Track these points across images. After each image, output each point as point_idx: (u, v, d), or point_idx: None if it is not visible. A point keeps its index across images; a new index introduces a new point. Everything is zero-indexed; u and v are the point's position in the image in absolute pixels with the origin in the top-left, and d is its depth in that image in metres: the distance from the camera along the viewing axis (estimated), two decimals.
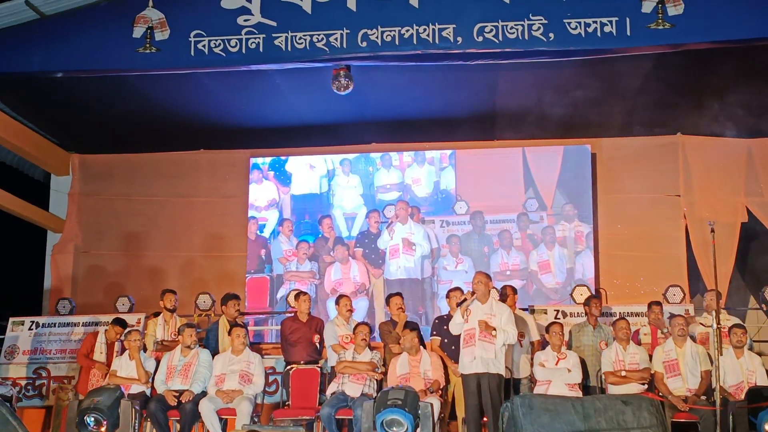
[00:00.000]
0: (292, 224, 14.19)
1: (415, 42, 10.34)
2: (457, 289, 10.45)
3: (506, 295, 10.32)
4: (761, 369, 9.67)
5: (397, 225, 13.63)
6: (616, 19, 9.98)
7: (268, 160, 14.51)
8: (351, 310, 10.79)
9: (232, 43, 10.63)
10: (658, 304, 10.84)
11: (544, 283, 13.42)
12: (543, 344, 10.30)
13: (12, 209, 13.90)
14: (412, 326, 10.17)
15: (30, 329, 12.32)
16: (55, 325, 12.42)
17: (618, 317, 10.47)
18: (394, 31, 10.38)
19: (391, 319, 10.64)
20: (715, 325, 8.33)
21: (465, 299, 9.43)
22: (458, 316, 9.34)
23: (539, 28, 10.11)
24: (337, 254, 13.81)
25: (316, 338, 10.57)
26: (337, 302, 10.85)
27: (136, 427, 9.19)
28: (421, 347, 9.93)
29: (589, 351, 10.23)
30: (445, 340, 10.09)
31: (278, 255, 14.08)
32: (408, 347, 9.77)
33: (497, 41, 10.19)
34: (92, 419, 8.67)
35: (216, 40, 10.65)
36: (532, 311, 11.82)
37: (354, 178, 14.28)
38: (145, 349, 10.65)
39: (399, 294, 10.85)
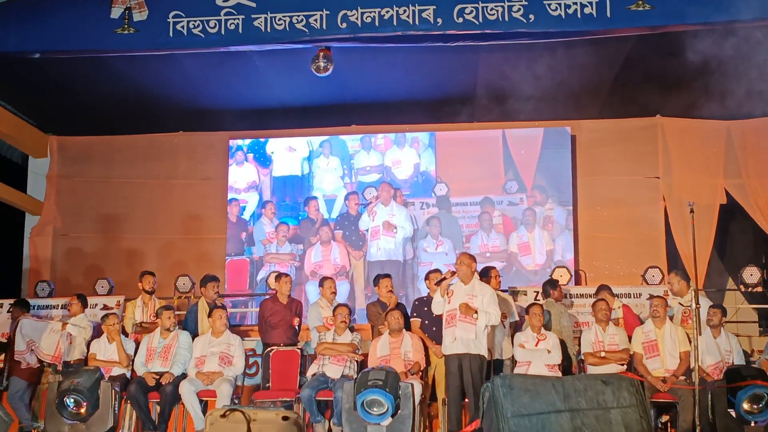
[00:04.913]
0: (274, 206, 14.16)
1: (395, 23, 10.29)
2: (437, 270, 10.46)
3: (489, 276, 10.30)
4: (738, 348, 9.78)
5: (379, 207, 13.63)
6: (596, 0, 9.98)
7: (247, 141, 14.47)
8: (335, 293, 10.79)
9: (211, 24, 10.55)
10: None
11: (524, 264, 13.46)
12: (518, 324, 10.32)
13: None
14: (398, 308, 10.20)
15: (9, 312, 12.22)
16: (34, 308, 12.34)
17: (597, 298, 10.50)
18: (374, 12, 10.33)
19: (378, 301, 10.62)
20: (694, 305, 8.36)
21: (444, 278, 9.42)
22: (437, 295, 9.36)
23: (519, 9, 10.09)
24: (322, 235, 13.80)
25: (296, 321, 10.56)
26: (321, 284, 10.84)
27: (116, 409, 9.16)
28: (404, 329, 9.92)
29: (567, 332, 10.26)
30: (426, 322, 10.09)
31: (261, 237, 14.05)
32: (395, 328, 9.76)
33: (477, 22, 10.16)
34: (72, 400, 8.63)
35: (195, 21, 10.57)
36: (513, 293, 11.84)
37: (334, 160, 14.25)
38: (125, 333, 10.63)
39: (388, 276, 10.82)
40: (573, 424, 6.44)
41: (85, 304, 11.12)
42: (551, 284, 10.91)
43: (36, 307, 12.34)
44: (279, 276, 10.94)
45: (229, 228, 14.22)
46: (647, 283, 12.18)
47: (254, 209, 14.26)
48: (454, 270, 9.45)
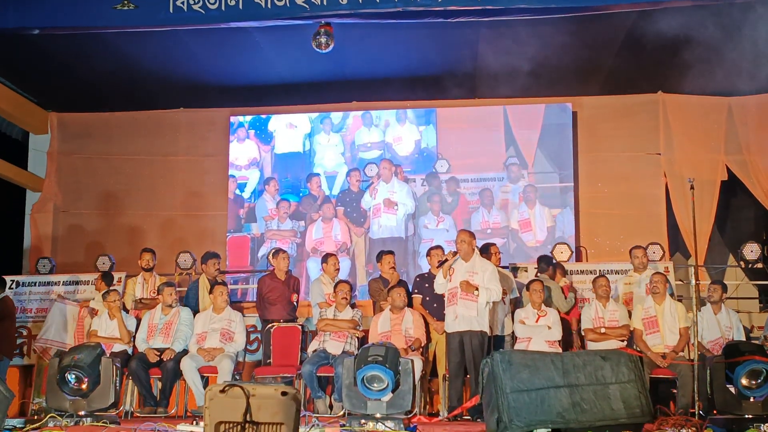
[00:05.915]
0: (277, 183, 14.15)
1: None
2: (438, 247, 10.48)
3: (490, 253, 10.29)
4: (738, 325, 9.80)
5: (380, 184, 13.61)
6: None
7: (248, 118, 14.45)
8: (338, 269, 10.79)
9: (211, 0, 10.49)
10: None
11: (524, 241, 13.46)
12: (517, 302, 10.33)
13: None
14: (401, 284, 10.21)
15: (10, 288, 12.26)
16: (35, 284, 12.40)
17: (598, 275, 10.50)
18: None
19: (381, 277, 10.64)
20: (693, 281, 8.37)
21: (446, 259, 9.45)
22: (440, 276, 9.40)
23: None
24: (324, 212, 13.80)
25: (295, 297, 10.58)
26: (325, 260, 10.82)
27: (118, 385, 9.19)
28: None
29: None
30: (427, 298, 10.11)
31: (263, 213, 14.04)
32: (398, 305, 9.77)
33: None
34: (73, 376, 8.63)
35: None
36: (514, 269, 11.85)
37: (335, 136, 14.23)
38: (126, 310, 10.65)
39: (391, 252, 10.84)
40: (572, 399, 6.48)
41: (109, 283, 11.15)
42: (545, 260, 10.92)
43: (37, 284, 12.40)
44: (276, 252, 10.95)
45: (230, 205, 14.22)
46: (648, 260, 12.16)
47: (255, 186, 14.25)
48: (455, 251, 9.46)
